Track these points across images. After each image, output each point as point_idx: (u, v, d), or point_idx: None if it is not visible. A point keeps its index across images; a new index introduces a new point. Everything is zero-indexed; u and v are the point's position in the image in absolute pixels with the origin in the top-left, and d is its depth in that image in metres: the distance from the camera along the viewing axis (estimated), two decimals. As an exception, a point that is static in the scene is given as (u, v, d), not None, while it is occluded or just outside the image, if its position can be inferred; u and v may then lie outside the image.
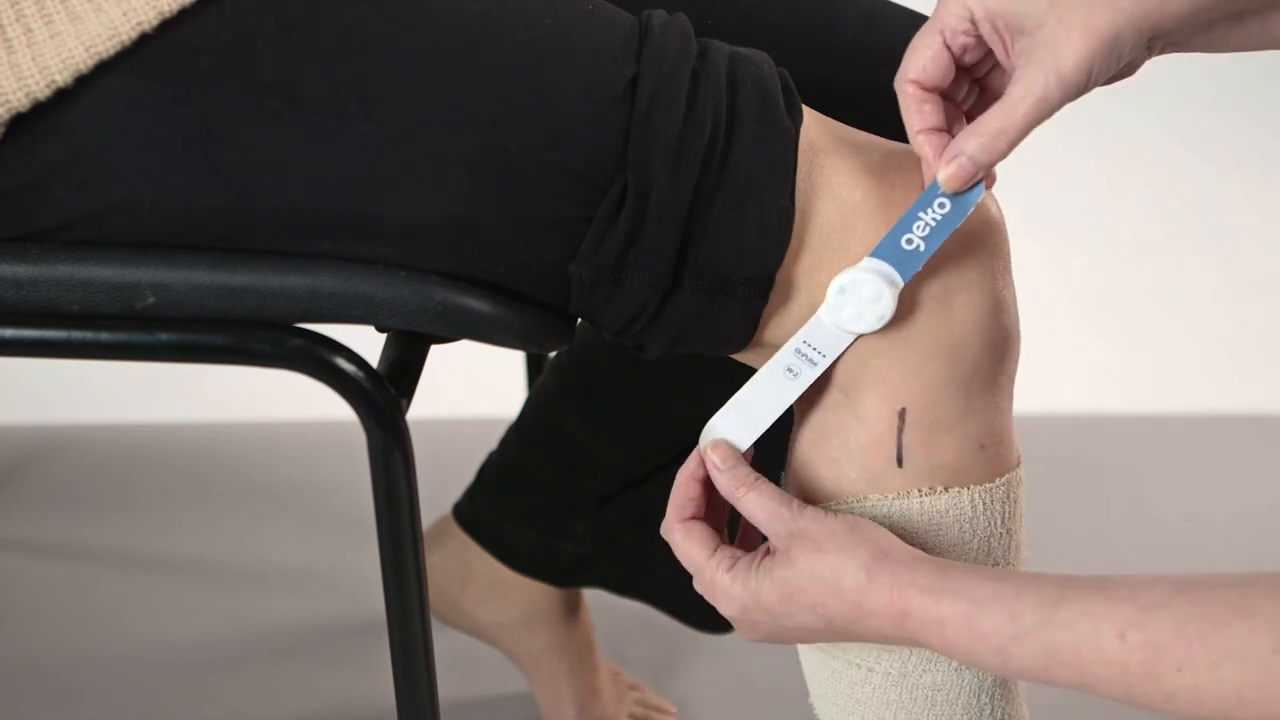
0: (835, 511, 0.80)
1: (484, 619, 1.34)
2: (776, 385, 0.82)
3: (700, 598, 1.31)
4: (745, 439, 0.83)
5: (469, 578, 1.33)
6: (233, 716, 1.42)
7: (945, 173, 0.77)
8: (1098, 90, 0.77)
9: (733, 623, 0.83)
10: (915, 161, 0.80)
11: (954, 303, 0.81)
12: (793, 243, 0.79)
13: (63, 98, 0.75)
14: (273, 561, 1.62)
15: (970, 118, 0.81)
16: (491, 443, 1.33)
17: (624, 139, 0.77)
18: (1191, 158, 2.58)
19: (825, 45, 0.92)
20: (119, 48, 0.74)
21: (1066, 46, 0.74)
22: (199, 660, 1.48)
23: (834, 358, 0.81)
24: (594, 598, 1.41)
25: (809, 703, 0.92)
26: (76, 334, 0.80)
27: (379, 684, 1.21)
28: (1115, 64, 0.76)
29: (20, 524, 1.68)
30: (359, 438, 0.85)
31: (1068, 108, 0.77)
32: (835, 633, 0.79)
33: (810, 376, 0.81)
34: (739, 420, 0.83)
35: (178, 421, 1.87)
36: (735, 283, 0.79)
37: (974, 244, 0.81)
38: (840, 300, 0.79)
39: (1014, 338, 0.83)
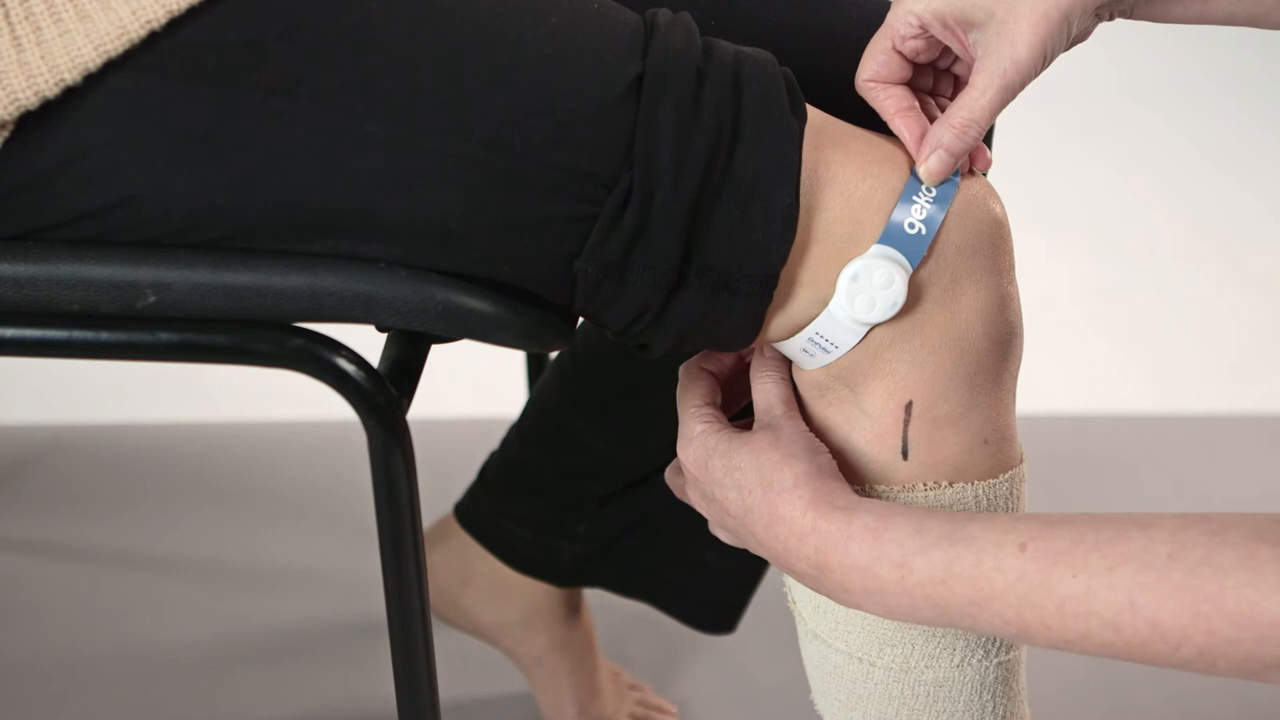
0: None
1: (485, 619, 1.34)
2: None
3: (700, 598, 1.31)
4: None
5: (470, 577, 1.33)
6: (233, 716, 1.42)
7: (926, 167, 0.80)
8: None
9: (683, 470, 0.86)
10: (918, 155, 0.82)
11: (960, 297, 0.81)
12: (798, 240, 0.80)
13: (70, 95, 0.75)
14: (273, 561, 1.62)
15: (944, 101, 0.87)
16: (492, 443, 1.33)
17: (629, 137, 0.77)
18: (1194, 156, 2.58)
19: (828, 45, 0.92)
20: (128, 46, 0.74)
21: (1019, 35, 0.78)
22: (199, 660, 1.48)
23: (845, 350, 0.81)
24: (594, 598, 1.41)
25: (809, 700, 0.92)
26: (77, 333, 0.80)
27: (379, 684, 1.21)
28: (1067, 37, 0.80)
29: (20, 524, 1.68)
30: (359, 438, 0.85)
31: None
32: (747, 529, 0.81)
33: (822, 363, 0.82)
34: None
35: (178, 421, 1.87)
36: (740, 280, 0.79)
37: (979, 241, 0.82)
38: (852, 289, 0.79)
39: (1018, 333, 0.84)
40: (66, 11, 0.74)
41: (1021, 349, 0.85)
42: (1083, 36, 0.81)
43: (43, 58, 0.74)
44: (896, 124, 0.82)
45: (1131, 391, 2.01)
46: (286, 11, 0.76)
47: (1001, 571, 0.71)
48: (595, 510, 1.27)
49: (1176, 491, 1.76)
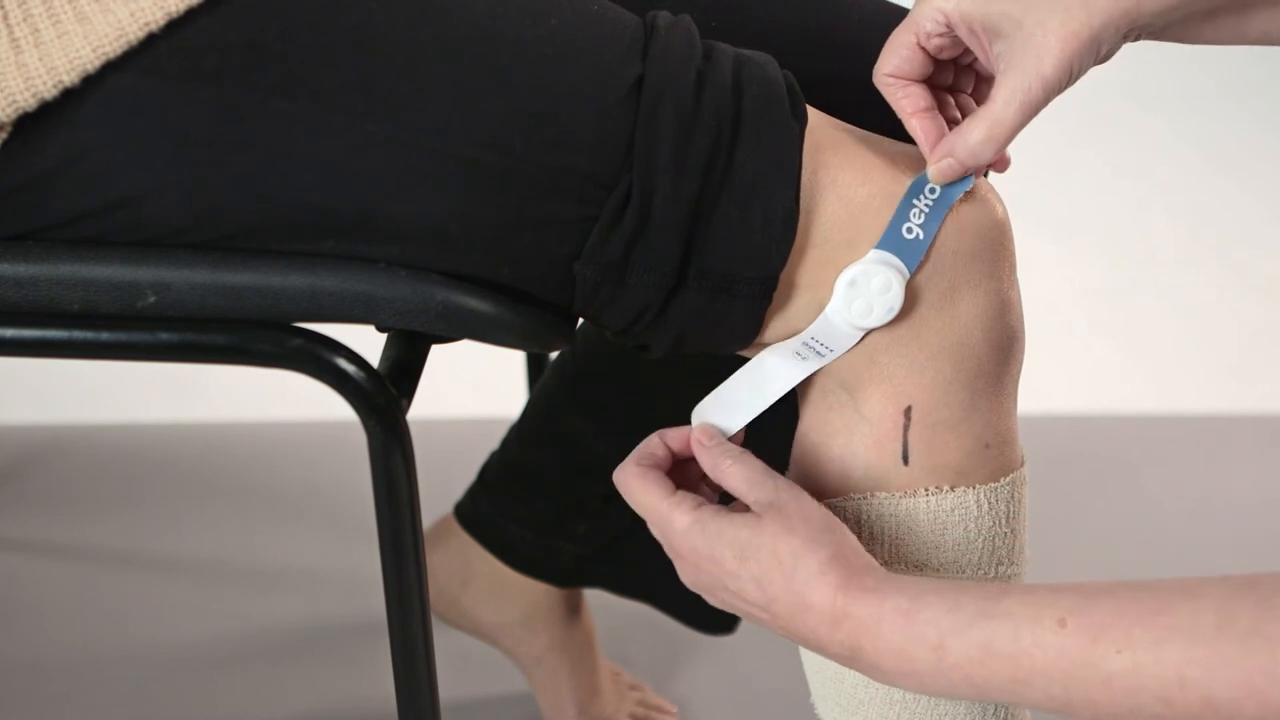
0: (828, 504, 0.80)
1: (485, 619, 1.34)
2: (773, 372, 0.82)
3: (700, 599, 1.31)
4: (736, 423, 0.83)
5: (470, 577, 1.32)
6: (233, 716, 1.42)
7: (935, 170, 0.80)
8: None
9: (675, 563, 0.81)
10: (919, 159, 0.81)
11: (960, 302, 0.81)
12: (798, 242, 0.79)
13: (69, 96, 0.75)
14: (273, 561, 1.62)
15: (964, 97, 0.85)
16: (492, 443, 1.33)
17: (629, 138, 0.77)
18: (1194, 158, 2.58)
19: (828, 46, 0.92)
20: (126, 48, 0.74)
21: (1046, 51, 0.76)
22: (199, 660, 1.48)
23: (840, 354, 0.81)
24: (594, 598, 1.41)
25: (809, 703, 0.92)
26: (78, 333, 0.80)
27: (379, 684, 1.21)
28: (1094, 59, 0.78)
29: (20, 524, 1.68)
30: (359, 438, 0.85)
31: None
32: (771, 615, 0.77)
33: (813, 368, 0.82)
34: (727, 405, 0.83)
35: (178, 421, 1.87)
36: (739, 282, 0.79)
37: (980, 245, 0.81)
38: (850, 294, 0.79)
39: (1019, 337, 0.84)
40: (64, 14, 0.74)
41: (1023, 353, 0.84)
42: (1107, 57, 0.79)
43: (40, 60, 0.74)
44: (912, 124, 0.81)
45: (1131, 391, 2.01)
46: (286, 12, 0.76)
47: (1042, 648, 0.68)
48: (595, 510, 1.27)
49: (1176, 492, 1.76)
